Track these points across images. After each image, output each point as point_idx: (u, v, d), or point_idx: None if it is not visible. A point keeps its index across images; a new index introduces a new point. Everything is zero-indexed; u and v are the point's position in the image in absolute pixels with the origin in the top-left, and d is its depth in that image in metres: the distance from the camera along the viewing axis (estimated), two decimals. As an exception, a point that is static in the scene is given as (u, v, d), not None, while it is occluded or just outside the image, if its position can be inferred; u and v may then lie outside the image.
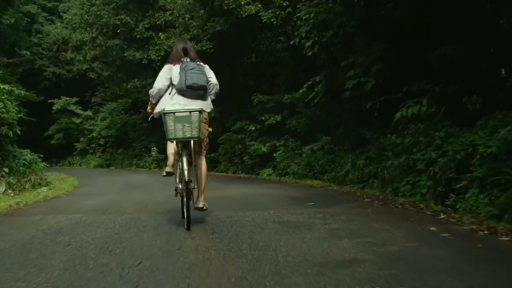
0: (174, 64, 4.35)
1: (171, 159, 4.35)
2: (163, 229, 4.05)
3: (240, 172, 13.56)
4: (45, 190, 7.78)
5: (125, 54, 17.19)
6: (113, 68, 20.41)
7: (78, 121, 26.06)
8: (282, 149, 12.22)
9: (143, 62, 16.94)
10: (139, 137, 21.09)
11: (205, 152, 4.47)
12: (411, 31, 7.86)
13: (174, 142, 4.13)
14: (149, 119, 4.83)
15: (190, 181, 4.02)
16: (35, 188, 7.90)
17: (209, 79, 4.36)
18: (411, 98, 6.92)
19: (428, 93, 6.70)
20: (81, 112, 26.21)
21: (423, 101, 6.26)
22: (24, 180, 8.12)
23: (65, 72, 27.69)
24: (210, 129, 4.52)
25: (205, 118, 4.30)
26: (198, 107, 4.10)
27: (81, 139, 25.96)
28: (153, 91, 4.41)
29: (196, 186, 4.27)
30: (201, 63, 4.39)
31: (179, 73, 4.22)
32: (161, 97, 4.39)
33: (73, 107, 25.84)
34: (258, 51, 15.53)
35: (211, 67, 4.57)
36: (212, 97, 4.49)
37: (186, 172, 3.98)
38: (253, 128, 13.18)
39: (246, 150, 13.34)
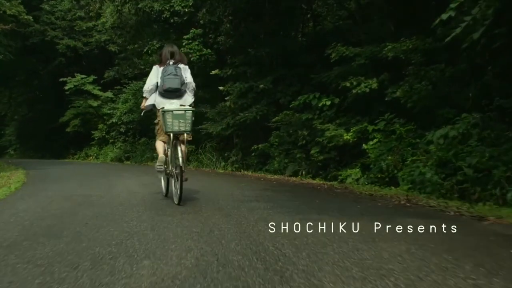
0: (160, 66, 5.34)
1: (161, 156, 5.25)
2: None
3: (304, 173, 8.99)
4: None
5: (139, 6, 12.93)
6: (130, 33, 16.23)
7: (95, 104, 22.15)
8: (379, 137, 7.58)
9: (165, 16, 12.67)
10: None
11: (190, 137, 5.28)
12: None
13: (171, 134, 4.98)
14: (142, 114, 5.94)
15: (183, 166, 4.81)
16: None
17: (185, 79, 5.28)
18: None
19: None
20: (99, 93, 22.26)
21: None
22: None
23: (81, 45, 23.85)
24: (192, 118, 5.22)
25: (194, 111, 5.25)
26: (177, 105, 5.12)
27: (99, 126, 22.15)
28: (147, 88, 5.36)
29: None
30: (180, 66, 5.30)
31: (160, 77, 5.20)
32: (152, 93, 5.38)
33: (89, 87, 21.90)
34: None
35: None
36: (191, 94, 5.37)
37: (180, 159, 4.79)
38: (328, 103, 8.49)
39: (314, 138, 8.74)
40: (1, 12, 17.47)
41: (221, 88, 10.95)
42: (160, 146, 5.35)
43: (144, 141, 18.26)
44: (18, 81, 29.80)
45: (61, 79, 21.73)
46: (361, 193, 5.93)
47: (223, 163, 11.82)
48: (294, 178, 8.57)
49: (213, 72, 11.21)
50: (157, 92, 5.24)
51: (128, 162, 17.38)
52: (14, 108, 33.74)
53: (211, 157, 12.33)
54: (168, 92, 5.13)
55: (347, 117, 8.37)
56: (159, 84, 5.20)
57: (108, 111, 21.71)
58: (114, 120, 20.88)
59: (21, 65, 26.41)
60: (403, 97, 7.17)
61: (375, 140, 7.60)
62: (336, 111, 8.65)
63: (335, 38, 8.99)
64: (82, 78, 21.96)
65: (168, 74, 5.13)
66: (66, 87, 21.51)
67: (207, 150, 12.79)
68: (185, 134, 4.94)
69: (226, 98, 11.05)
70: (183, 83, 5.21)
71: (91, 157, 21.94)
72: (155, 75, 5.30)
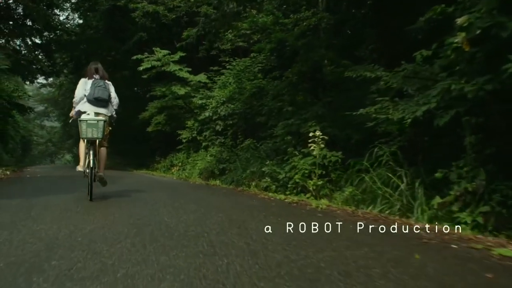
0: (88, 79, 6.54)
1: (82, 159, 6.38)
2: None
3: None
4: None
5: None
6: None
7: (182, 91, 16.47)
8: None
9: None
10: (277, 110, 10.52)
11: (106, 143, 6.69)
12: None
13: (85, 140, 6.23)
14: (70, 121, 7.11)
15: (94, 167, 6.21)
16: None
17: (111, 93, 6.61)
18: None
19: None
20: (188, 76, 16.56)
21: None
22: None
23: (165, 10, 18.35)
24: (110, 128, 6.74)
25: (106, 121, 6.46)
26: (103, 113, 6.44)
27: (188, 123, 16.48)
28: (76, 100, 6.51)
29: (98, 167, 6.41)
30: (107, 82, 6.61)
31: (90, 87, 6.41)
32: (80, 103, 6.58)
33: (174, 67, 16.32)
34: None
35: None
36: (115, 107, 6.72)
37: (91, 162, 6.14)
38: None
39: None
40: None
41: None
42: (82, 151, 6.41)
43: (250, 143, 12.01)
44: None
45: (134, 57, 16.45)
46: None
47: (430, 202, 4.94)
48: None
49: None
50: (86, 99, 6.40)
51: (217, 182, 11.05)
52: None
53: (395, 183, 5.50)
54: (97, 100, 6.38)
55: None
56: (89, 93, 6.38)
57: (199, 101, 15.95)
58: (207, 114, 15.03)
59: (97, 48, 22.07)
60: None
61: None
62: None
63: None
64: (164, 56, 16.46)
65: (99, 86, 6.42)
66: (141, 68, 16.13)
67: (383, 163, 5.95)
68: (97, 141, 6.24)
69: (458, 21, 4.12)
70: (109, 96, 6.54)
71: (175, 168, 16.34)
72: (83, 87, 6.49)
